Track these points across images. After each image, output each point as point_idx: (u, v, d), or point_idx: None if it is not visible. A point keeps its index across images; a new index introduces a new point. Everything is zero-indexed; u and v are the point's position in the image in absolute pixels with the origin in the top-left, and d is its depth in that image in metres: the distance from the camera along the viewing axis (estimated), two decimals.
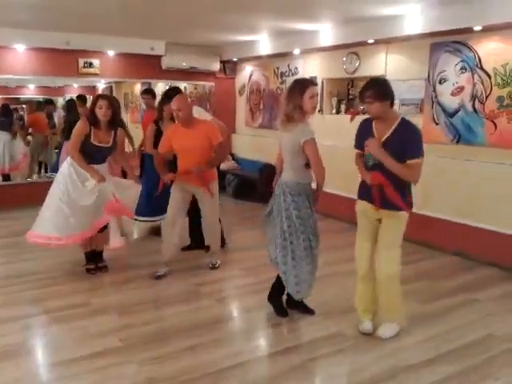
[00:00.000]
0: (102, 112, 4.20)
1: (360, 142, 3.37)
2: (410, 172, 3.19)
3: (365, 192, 3.36)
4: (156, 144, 4.88)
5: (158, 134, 5.02)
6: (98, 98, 4.32)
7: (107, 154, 4.44)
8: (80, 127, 4.28)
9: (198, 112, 5.24)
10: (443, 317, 3.81)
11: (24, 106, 9.52)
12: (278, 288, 3.76)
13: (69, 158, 4.35)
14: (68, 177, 4.28)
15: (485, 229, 5.03)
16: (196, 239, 5.38)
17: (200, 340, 3.38)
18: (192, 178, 4.38)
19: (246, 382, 2.91)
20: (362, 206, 3.41)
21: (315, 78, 7.00)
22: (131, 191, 4.60)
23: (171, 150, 4.52)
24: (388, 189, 3.18)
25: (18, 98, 9.33)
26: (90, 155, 4.31)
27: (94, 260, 4.69)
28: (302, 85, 3.48)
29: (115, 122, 4.36)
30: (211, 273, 4.74)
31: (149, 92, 6.29)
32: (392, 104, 3.27)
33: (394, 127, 3.20)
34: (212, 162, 4.50)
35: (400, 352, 3.26)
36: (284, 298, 3.85)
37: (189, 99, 4.40)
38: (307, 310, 3.79)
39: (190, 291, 4.44)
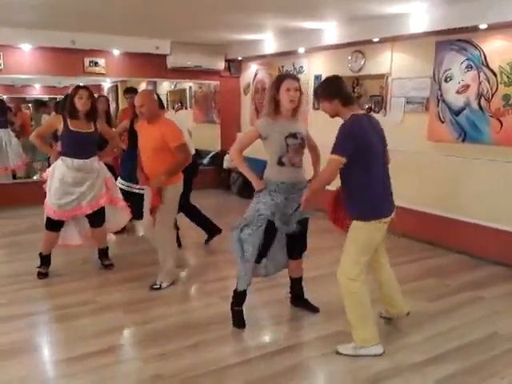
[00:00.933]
0: (81, 102, 4.22)
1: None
2: (324, 171, 3.08)
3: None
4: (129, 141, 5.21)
5: (132, 132, 5.10)
6: (78, 88, 4.30)
7: (91, 144, 4.38)
8: (52, 118, 4.37)
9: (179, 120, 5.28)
10: (449, 314, 3.80)
11: (30, 105, 9.56)
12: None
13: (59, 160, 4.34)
14: (61, 181, 4.30)
15: (491, 227, 5.01)
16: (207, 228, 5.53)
17: (204, 337, 3.39)
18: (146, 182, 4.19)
19: (250, 379, 2.91)
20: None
21: (320, 76, 7.01)
22: (122, 215, 4.71)
23: None
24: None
25: (24, 98, 9.37)
26: (74, 145, 4.27)
27: (105, 257, 4.76)
28: (280, 78, 3.44)
29: (93, 114, 4.36)
30: (216, 270, 4.74)
31: (131, 91, 6.27)
32: (345, 102, 3.08)
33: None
34: (171, 169, 4.06)
35: (405, 349, 3.26)
36: (288, 295, 3.86)
37: (154, 96, 4.23)
38: (311, 308, 3.79)
39: (195, 289, 4.45)
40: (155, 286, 4.22)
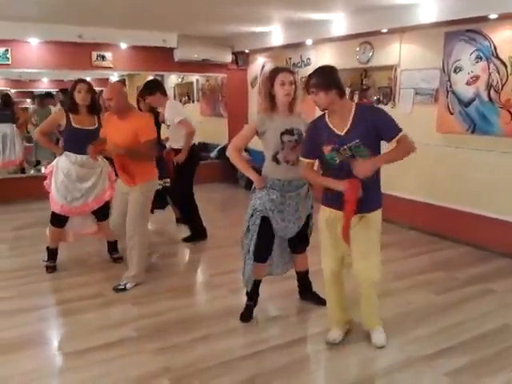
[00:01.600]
0: (80, 96, 4.18)
1: (313, 146, 3.01)
2: (404, 147, 2.93)
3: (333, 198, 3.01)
4: None
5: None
6: (77, 82, 4.25)
7: (94, 140, 4.23)
8: (55, 113, 4.39)
9: (174, 107, 5.29)
10: (458, 307, 3.79)
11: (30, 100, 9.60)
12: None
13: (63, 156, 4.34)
14: (66, 175, 4.30)
15: (501, 219, 4.98)
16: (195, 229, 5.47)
17: (213, 330, 3.40)
18: (124, 178, 4.04)
19: (259, 372, 2.92)
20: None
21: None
22: None
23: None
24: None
25: (32, 92, 9.41)
26: (77, 142, 4.18)
27: (114, 250, 4.78)
28: (274, 71, 3.34)
29: (95, 107, 4.32)
30: (224, 263, 4.74)
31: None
32: (341, 93, 2.94)
33: (351, 117, 2.92)
34: (134, 150, 3.90)
35: (415, 342, 3.25)
36: (296, 288, 3.86)
37: (124, 89, 4.10)
38: (320, 301, 3.78)
39: (204, 282, 4.46)
40: (120, 287, 4.07)
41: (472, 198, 5.24)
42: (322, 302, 3.76)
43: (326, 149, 2.92)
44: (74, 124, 4.25)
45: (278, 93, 3.26)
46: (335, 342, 3.20)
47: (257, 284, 3.54)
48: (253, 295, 3.56)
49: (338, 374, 3.00)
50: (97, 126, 4.31)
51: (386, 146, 3.01)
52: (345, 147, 2.88)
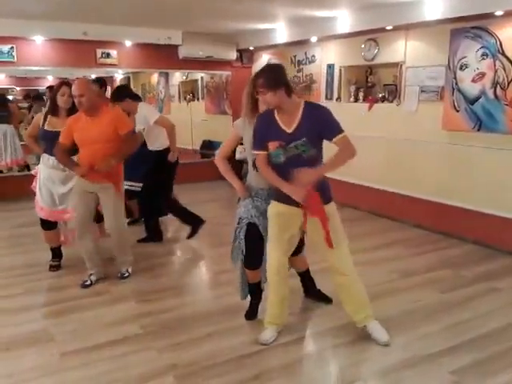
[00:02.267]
0: (63, 99, 4.14)
1: (262, 139, 2.98)
2: (345, 151, 2.93)
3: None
4: None
5: None
6: (61, 84, 4.21)
7: None
8: (38, 115, 4.39)
9: (147, 109, 5.26)
10: (464, 305, 3.78)
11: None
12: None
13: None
14: (46, 178, 4.28)
15: (507, 217, 4.96)
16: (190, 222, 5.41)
17: (219, 327, 3.41)
18: (96, 175, 3.92)
19: (264, 369, 2.92)
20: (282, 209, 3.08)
21: (333, 65, 6.95)
22: None
23: (73, 142, 4.01)
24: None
25: (38, 89, 9.43)
26: (48, 145, 4.17)
27: None
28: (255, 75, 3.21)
29: (74, 112, 4.20)
30: (229, 261, 4.73)
31: (96, 81, 6.23)
32: (289, 92, 2.92)
33: (299, 115, 2.91)
34: (122, 153, 3.96)
35: (420, 341, 3.24)
36: (299, 286, 3.86)
37: (93, 85, 4.00)
38: (324, 299, 3.78)
39: (210, 279, 4.47)
40: (125, 275, 4.28)
41: (478, 195, 5.22)
42: (326, 299, 3.76)
43: (272, 145, 2.92)
44: (45, 126, 4.21)
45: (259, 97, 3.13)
46: (267, 343, 3.16)
47: (257, 284, 3.52)
48: (256, 294, 3.55)
49: (343, 373, 2.99)
50: None
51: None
52: (291, 145, 2.88)
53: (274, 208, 3.11)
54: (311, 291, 3.83)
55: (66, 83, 4.24)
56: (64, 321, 3.60)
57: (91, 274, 4.18)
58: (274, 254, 3.15)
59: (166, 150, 5.14)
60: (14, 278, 4.32)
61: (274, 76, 2.91)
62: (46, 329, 3.46)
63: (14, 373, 2.89)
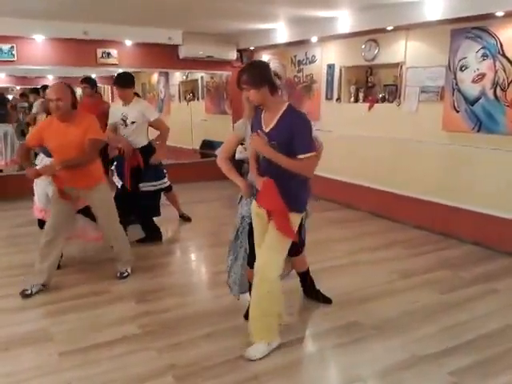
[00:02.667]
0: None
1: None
2: (304, 167, 2.81)
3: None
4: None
5: None
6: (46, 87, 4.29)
7: None
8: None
9: (149, 106, 5.28)
10: (462, 306, 3.77)
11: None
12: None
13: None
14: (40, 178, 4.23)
15: (507, 218, 4.96)
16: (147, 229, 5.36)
17: (217, 328, 3.40)
18: (75, 181, 3.84)
19: (263, 369, 2.92)
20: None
21: (333, 65, 6.95)
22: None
23: (40, 145, 3.96)
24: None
25: (37, 89, 9.41)
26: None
27: None
28: None
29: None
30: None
31: (87, 81, 6.23)
32: (273, 90, 2.86)
33: (278, 116, 2.84)
34: (70, 161, 3.74)
35: (420, 341, 3.24)
36: (298, 287, 3.85)
37: (70, 89, 3.80)
38: (324, 299, 3.78)
39: (209, 279, 4.46)
40: (124, 274, 4.29)
41: (477, 196, 5.22)
42: (326, 300, 3.77)
43: (250, 144, 2.95)
44: None
45: None
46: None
47: None
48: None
49: (341, 373, 2.99)
50: None
51: None
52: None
53: (252, 205, 3.12)
54: (311, 291, 3.83)
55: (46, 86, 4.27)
56: (62, 320, 3.60)
57: (34, 285, 3.95)
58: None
59: (144, 148, 5.12)
60: (11, 277, 4.31)
61: (258, 73, 2.86)
62: (44, 328, 3.45)
63: (13, 372, 2.89)
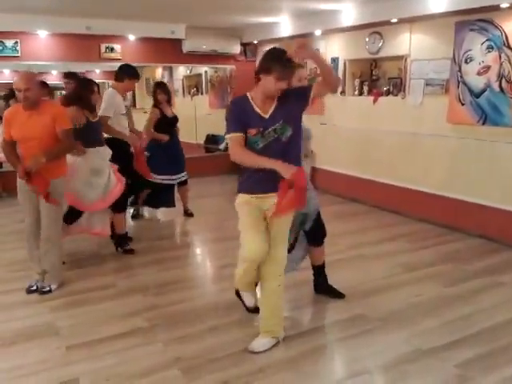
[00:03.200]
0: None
1: (239, 123, 2.83)
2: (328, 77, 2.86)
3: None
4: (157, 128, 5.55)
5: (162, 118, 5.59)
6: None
7: None
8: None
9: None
10: (468, 299, 3.77)
11: None
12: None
13: None
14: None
15: (511, 211, 4.94)
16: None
17: (223, 321, 3.42)
18: (33, 178, 3.63)
19: (269, 362, 2.93)
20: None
21: (337, 58, 6.92)
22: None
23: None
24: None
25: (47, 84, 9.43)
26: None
27: (122, 244, 4.80)
28: None
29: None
30: (234, 255, 4.75)
31: (70, 76, 6.19)
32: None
33: (276, 99, 2.83)
34: (53, 152, 3.67)
35: (424, 334, 3.25)
36: (307, 280, 3.86)
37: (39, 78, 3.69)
38: (336, 294, 3.78)
39: (214, 273, 4.48)
40: (45, 289, 3.89)
41: (482, 189, 5.21)
42: (339, 295, 3.77)
43: (251, 132, 2.80)
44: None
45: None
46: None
47: None
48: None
49: (346, 366, 3.00)
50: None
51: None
52: (270, 129, 2.80)
53: (242, 199, 2.96)
54: (323, 286, 3.82)
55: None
56: (69, 314, 3.63)
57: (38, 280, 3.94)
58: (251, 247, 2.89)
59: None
60: (18, 272, 4.33)
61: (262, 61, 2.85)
62: (51, 323, 3.48)
63: (20, 366, 2.92)
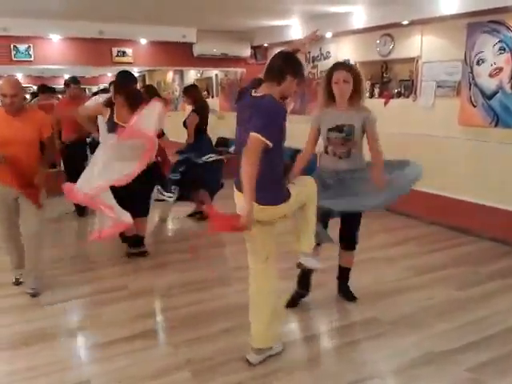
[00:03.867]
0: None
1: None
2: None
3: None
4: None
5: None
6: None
7: None
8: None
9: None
10: (481, 303, 3.74)
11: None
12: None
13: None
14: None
15: None
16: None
17: (235, 323, 3.42)
18: (15, 182, 3.66)
19: (281, 365, 2.93)
20: None
21: (348, 61, 6.91)
22: None
23: None
24: None
25: (54, 88, 9.52)
26: None
27: (138, 245, 4.79)
28: (331, 68, 3.44)
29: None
30: (247, 258, 4.76)
31: (74, 81, 6.25)
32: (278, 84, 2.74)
33: None
34: (46, 160, 3.84)
35: (436, 338, 3.22)
36: (319, 283, 3.85)
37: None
38: (349, 296, 3.78)
39: (227, 275, 4.47)
40: (31, 292, 3.89)
41: (494, 191, 5.16)
42: (351, 297, 3.77)
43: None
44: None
45: (334, 90, 3.37)
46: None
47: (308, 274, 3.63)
48: (305, 283, 3.68)
49: (357, 370, 2.98)
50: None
51: None
52: None
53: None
54: (344, 288, 3.82)
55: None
56: (84, 315, 3.67)
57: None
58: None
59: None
60: None
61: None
62: (63, 324, 3.52)
63: (33, 367, 2.94)
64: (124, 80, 4.91)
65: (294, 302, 3.68)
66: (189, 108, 6.09)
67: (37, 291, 3.92)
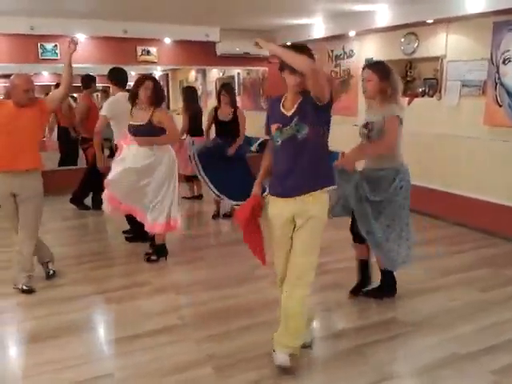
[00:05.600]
0: (146, 93, 4.33)
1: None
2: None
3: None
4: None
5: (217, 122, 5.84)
6: (145, 78, 4.41)
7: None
8: None
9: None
10: (504, 305, 3.70)
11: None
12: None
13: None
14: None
15: None
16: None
17: (255, 320, 3.44)
18: (19, 162, 3.76)
19: (301, 364, 2.93)
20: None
21: (371, 59, 6.86)
22: None
23: None
24: None
25: (79, 87, 9.66)
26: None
27: (161, 255, 4.74)
28: (362, 68, 3.57)
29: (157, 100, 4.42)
30: (267, 256, 4.77)
31: (89, 78, 6.50)
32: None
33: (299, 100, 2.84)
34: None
35: (460, 339, 3.19)
36: (335, 282, 3.85)
37: None
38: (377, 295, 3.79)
39: (247, 273, 4.49)
40: (25, 288, 3.91)
41: None
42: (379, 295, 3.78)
43: (273, 127, 2.85)
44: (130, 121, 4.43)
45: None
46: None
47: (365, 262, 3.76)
48: (363, 272, 3.78)
49: (379, 370, 2.96)
50: (147, 121, 4.33)
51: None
52: (287, 127, 2.78)
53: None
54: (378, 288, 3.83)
55: (148, 77, 4.51)
56: (107, 311, 3.72)
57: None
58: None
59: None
60: (60, 268, 4.42)
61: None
62: (89, 318, 3.58)
63: (60, 359, 3.00)
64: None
65: (356, 292, 3.80)
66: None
67: (32, 289, 3.93)
